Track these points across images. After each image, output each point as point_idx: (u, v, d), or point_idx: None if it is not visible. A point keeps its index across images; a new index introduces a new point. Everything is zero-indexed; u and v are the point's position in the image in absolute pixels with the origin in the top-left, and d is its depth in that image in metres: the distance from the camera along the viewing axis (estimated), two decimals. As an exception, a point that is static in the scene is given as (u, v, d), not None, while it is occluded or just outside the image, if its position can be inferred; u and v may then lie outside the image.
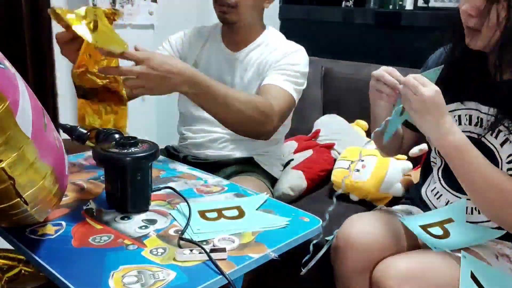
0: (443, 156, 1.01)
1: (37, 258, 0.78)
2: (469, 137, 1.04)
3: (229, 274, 0.75)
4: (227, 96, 1.21)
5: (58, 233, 0.86)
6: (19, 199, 0.68)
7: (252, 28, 1.47)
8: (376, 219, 1.12)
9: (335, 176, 1.65)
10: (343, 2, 2.53)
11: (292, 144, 1.90)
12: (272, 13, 2.67)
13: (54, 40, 1.92)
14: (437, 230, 1.07)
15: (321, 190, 1.76)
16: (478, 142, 1.05)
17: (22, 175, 0.67)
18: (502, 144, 1.04)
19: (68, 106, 2.00)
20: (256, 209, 1.00)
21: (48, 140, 0.76)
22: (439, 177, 1.17)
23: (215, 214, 0.95)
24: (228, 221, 0.93)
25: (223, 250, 0.80)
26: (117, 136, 0.98)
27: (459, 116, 1.11)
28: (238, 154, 1.48)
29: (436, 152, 1.17)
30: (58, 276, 0.73)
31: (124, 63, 1.07)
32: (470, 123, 1.09)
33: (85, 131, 1.03)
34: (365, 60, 2.12)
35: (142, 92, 1.12)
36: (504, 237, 1.08)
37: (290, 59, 1.42)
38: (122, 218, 0.92)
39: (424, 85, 0.93)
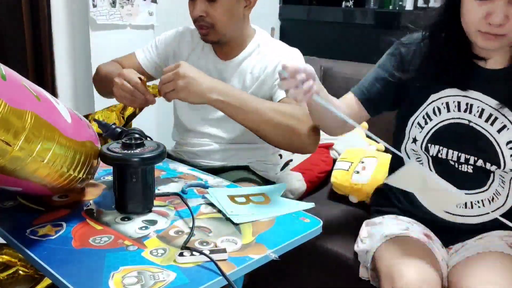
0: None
1: (37, 258, 0.78)
2: (457, 123, 1.09)
3: (230, 275, 0.75)
4: (258, 107, 1.21)
5: (58, 234, 0.86)
6: None
7: (239, 38, 1.43)
8: (417, 259, 1.04)
9: (335, 178, 1.65)
10: (343, 2, 2.53)
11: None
12: (272, 13, 2.67)
13: (54, 40, 1.93)
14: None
15: (320, 191, 1.76)
16: (467, 128, 1.09)
17: None
18: (499, 131, 1.07)
19: (68, 105, 1.99)
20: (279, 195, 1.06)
21: (19, 89, 0.76)
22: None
23: (243, 199, 1.00)
24: (256, 206, 0.98)
25: (223, 251, 0.80)
26: (136, 136, 0.97)
27: (447, 103, 1.12)
28: (232, 163, 1.48)
29: (422, 148, 1.17)
30: (58, 277, 0.73)
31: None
32: (459, 110, 1.11)
33: (118, 129, 1.04)
34: (365, 60, 2.12)
35: (172, 95, 1.16)
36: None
37: None
38: (122, 219, 0.92)
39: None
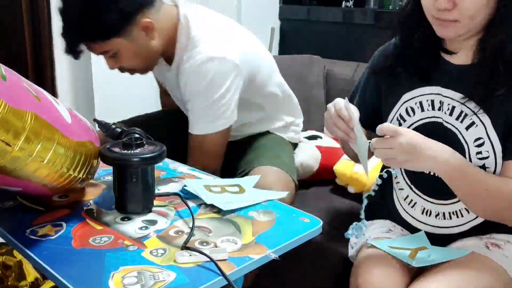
0: (444, 178, 1.00)
1: (37, 259, 0.78)
2: (432, 122, 1.06)
3: (229, 275, 0.75)
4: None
5: (58, 234, 0.86)
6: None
7: (164, 48, 1.38)
8: (386, 263, 1.05)
9: (338, 166, 1.66)
10: (343, 2, 2.53)
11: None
12: (272, 13, 2.67)
13: (54, 40, 1.93)
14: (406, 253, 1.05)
15: (322, 187, 1.75)
16: (441, 127, 1.06)
17: None
18: (467, 128, 1.03)
19: (68, 106, 2.00)
20: (253, 187, 1.10)
21: (19, 89, 0.76)
22: (408, 184, 1.15)
23: (218, 189, 1.04)
24: (232, 195, 1.01)
25: (223, 251, 0.80)
26: (136, 135, 0.96)
27: (421, 103, 1.09)
28: (254, 131, 1.54)
29: None
30: (58, 277, 0.73)
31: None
32: (433, 108, 1.08)
33: (118, 129, 1.04)
34: (365, 60, 2.12)
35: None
36: (489, 228, 1.08)
37: (208, 90, 1.32)
38: (122, 219, 0.92)
39: (394, 135, 0.92)
